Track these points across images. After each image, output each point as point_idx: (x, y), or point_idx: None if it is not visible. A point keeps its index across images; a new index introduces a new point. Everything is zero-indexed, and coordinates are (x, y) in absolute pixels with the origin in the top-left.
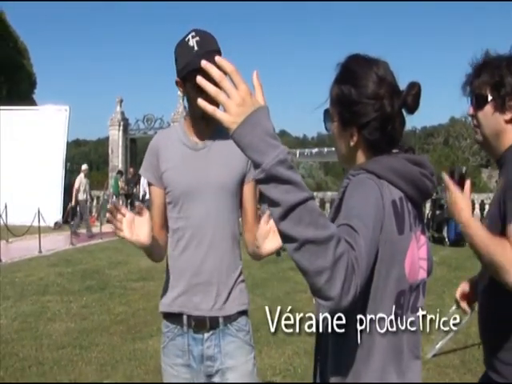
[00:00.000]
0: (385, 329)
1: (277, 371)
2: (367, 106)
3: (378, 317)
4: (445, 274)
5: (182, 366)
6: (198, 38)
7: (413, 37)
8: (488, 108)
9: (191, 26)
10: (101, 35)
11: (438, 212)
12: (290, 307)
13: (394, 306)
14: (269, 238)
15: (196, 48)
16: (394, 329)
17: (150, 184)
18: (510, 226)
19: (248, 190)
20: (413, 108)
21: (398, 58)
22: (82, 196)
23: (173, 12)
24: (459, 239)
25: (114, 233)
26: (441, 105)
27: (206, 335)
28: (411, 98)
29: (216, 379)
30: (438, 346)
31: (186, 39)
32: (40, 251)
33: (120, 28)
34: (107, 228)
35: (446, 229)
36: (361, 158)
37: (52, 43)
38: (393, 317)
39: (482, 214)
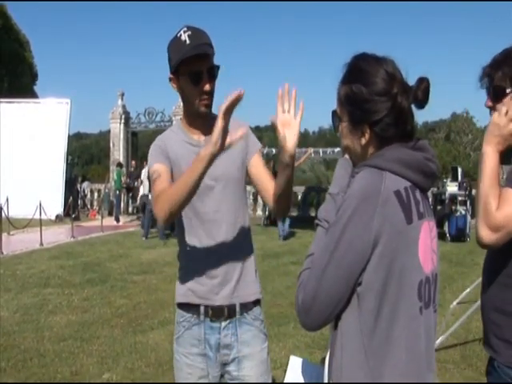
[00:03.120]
0: (409, 321)
1: (278, 365)
2: (378, 103)
3: (402, 310)
4: (445, 270)
5: (197, 355)
6: (189, 33)
7: (413, 34)
8: (507, 100)
9: (193, 20)
10: (102, 28)
11: (439, 207)
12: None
13: (417, 298)
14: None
15: (188, 41)
16: (419, 322)
17: (156, 164)
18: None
19: (255, 163)
20: (423, 103)
21: (398, 55)
22: (142, 191)
23: (174, 6)
24: (460, 235)
25: (115, 226)
26: (442, 100)
27: (223, 324)
28: (421, 92)
29: (231, 367)
30: (438, 341)
31: (178, 35)
32: (41, 244)
33: (122, 21)
34: (108, 221)
35: (447, 224)
36: (371, 153)
37: (54, 36)
38: (418, 310)
39: None
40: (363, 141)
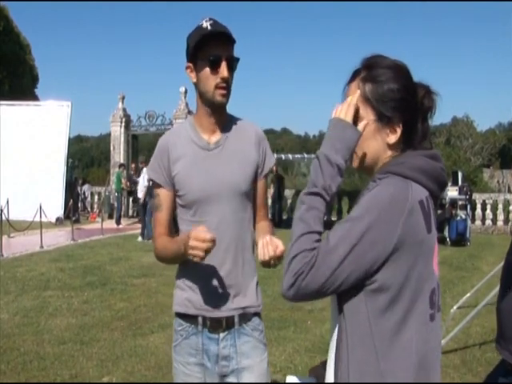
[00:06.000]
0: (420, 326)
1: (277, 369)
2: (410, 101)
3: (414, 315)
4: (446, 274)
5: (195, 365)
6: (211, 22)
7: (413, 37)
8: None
9: (193, 23)
10: (103, 32)
11: (439, 211)
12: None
13: (428, 304)
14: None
15: (209, 28)
16: (431, 330)
17: (157, 186)
18: None
19: (261, 186)
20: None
21: (398, 58)
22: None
23: (175, 10)
24: (460, 239)
25: (115, 229)
26: (443, 104)
27: (222, 335)
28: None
29: (231, 379)
30: None
31: (200, 24)
32: (41, 246)
33: (123, 25)
34: (108, 224)
35: (447, 228)
36: (389, 155)
37: (55, 39)
38: (428, 316)
39: (483, 213)
40: (393, 139)
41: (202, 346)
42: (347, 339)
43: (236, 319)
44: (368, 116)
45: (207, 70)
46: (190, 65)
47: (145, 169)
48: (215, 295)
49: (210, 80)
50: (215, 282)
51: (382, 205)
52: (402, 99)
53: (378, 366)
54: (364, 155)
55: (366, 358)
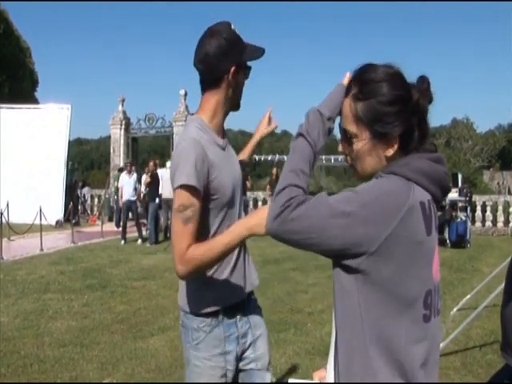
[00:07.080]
0: (414, 329)
1: (278, 371)
2: (405, 111)
3: (405, 313)
4: (446, 276)
5: (219, 355)
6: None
7: (413, 38)
8: None
9: (193, 26)
10: (103, 34)
11: (439, 213)
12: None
13: (423, 307)
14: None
15: (242, 38)
16: (425, 330)
17: (194, 194)
18: None
19: None
20: (430, 100)
21: (397, 59)
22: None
23: (175, 11)
24: (460, 241)
25: (115, 232)
26: (443, 106)
27: (239, 317)
28: (426, 91)
29: (249, 352)
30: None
31: (233, 28)
32: (41, 249)
33: (122, 27)
34: (108, 227)
35: (447, 230)
36: (388, 163)
37: (54, 42)
38: (421, 317)
39: (483, 215)
40: (391, 152)
41: (223, 334)
42: (338, 320)
43: (247, 299)
44: (362, 135)
45: (243, 78)
46: (236, 68)
47: (135, 174)
48: (234, 285)
49: (241, 88)
50: (236, 274)
51: (383, 192)
52: (396, 113)
53: (367, 351)
54: (364, 169)
55: (355, 341)
